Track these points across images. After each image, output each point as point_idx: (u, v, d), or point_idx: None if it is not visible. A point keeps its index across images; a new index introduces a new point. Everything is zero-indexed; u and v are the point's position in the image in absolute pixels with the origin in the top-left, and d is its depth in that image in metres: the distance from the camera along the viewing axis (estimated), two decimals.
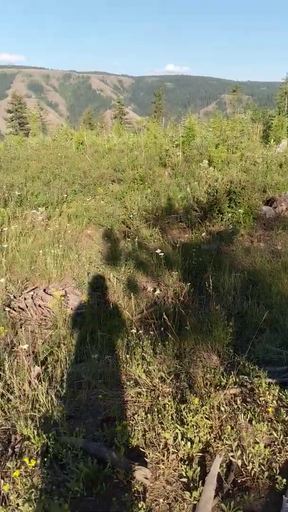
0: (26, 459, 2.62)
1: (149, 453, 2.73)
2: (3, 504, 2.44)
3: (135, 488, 2.50)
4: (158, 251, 6.41)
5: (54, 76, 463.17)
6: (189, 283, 5.64)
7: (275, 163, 12.17)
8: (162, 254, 6.32)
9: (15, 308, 5.56)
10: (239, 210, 8.44)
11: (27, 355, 3.83)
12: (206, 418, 2.94)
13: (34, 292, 5.99)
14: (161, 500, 2.41)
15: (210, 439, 2.83)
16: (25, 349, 3.79)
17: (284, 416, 3.00)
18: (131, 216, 8.87)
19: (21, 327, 4.87)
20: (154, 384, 3.47)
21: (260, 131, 18.77)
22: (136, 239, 7.50)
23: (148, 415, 3.00)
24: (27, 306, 5.64)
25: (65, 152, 17.06)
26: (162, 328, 4.33)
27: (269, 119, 19.71)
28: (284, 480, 2.49)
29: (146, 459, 2.71)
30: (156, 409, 3.05)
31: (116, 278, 6.21)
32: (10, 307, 5.52)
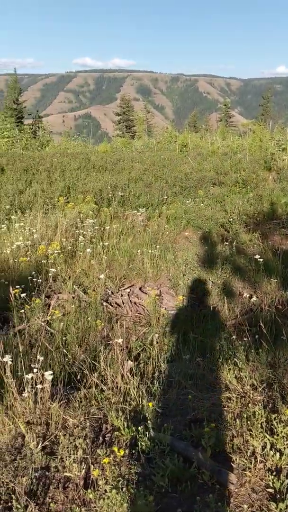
0: (115, 448, 2.73)
1: (236, 459, 2.71)
2: (92, 488, 2.56)
3: (219, 491, 2.49)
4: (257, 256, 6.27)
5: (162, 79, 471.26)
6: None
7: None
8: (261, 260, 6.18)
9: (112, 304, 5.79)
10: None
11: (121, 349, 3.97)
12: None
13: (130, 289, 6.19)
14: (245, 507, 2.38)
15: None
16: (119, 343, 3.94)
17: None
18: (231, 219, 8.77)
19: (116, 322, 5.04)
20: (245, 391, 3.42)
21: None
22: (235, 243, 7.41)
23: (237, 420, 2.97)
24: (123, 303, 5.84)
25: (168, 155, 17.30)
26: (256, 336, 4.25)
27: None
28: None
29: (232, 464, 2.69)
30: (245, 416, 3.01)
31: (212, 281, 6.19)
32: (108, 302, 5.75)
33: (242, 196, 10.46)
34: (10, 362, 3.20)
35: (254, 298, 5.63)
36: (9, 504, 2.49)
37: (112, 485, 2.50)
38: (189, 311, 5.55)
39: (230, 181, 11.75)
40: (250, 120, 39.18)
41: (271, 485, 2.48)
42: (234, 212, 9.14)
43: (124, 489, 2.47)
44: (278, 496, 2.41)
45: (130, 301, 5.96)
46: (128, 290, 6.17)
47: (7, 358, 3.20)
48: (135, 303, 5.97)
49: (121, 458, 2.75)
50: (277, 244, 7.66)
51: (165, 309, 5.67)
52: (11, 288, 4.37)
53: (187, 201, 10.43)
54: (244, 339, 4.19)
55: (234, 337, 4.34)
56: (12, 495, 2.51)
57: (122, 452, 2.69)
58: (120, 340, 3.99)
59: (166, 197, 10.84)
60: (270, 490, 2.47)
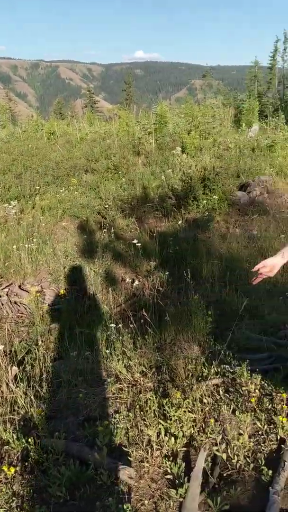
0: (5, 467, 2.51)
1: (132, 452, 2.66)
2: None
3: (119, 489, 2.43)
4: (135, 241, 6.31)
5: (21, 66, 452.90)
6: (168, 273, 5.58)
7: (248, 147, 12.16)
8: (139, 244, 6.22)
9: None
10: (214, 197, 8.40)
11: (4, 355, 3.71)
12: (189, 411, 2.89)
13: (9, 289, 5.85)
14: (146, 501, 2.35)
15: (194, 433, 2.78)
16: (0, 350, 3.68)
17: (267, 405, 2.97)
18: (107, 206, 8.74)
19: None
20: (136, 379, 3.40)
21: (231, 115, 18.71)
22: (112, 229, 7.39)
23: (130, 412, 2.94)
24: (2, 304, 5.50)
25: (36, 144, 16.67)
26: (141, 321, 4.25)
27: (240, 103, 19.67)
28: (270, 471, 2.45)
29: (129, 458, 2.64)
30: (138, 405, 2.99)
31: (93, 270, 6.10)
32: None
33: (115, 182, 10.48)
34: None
35: (136, 283, 5.67)
36: None
37: (5, 508, 2.30)
38: (73, 304, 5.40)
39: (101, 168, 11.68)
40: (114, 105, 39.45)
41: (169, 471, 2.48)
42: (109, 199, 9.12)
43: (19, 508, 2.29)
44: (177, 481, 2.42)
45: (10, 301, 5.63)
46: (6, 289, 5.82)
47: None
48: (15, 302, 5.65)
49: (13, 475, 2.56)
50: (152, 227, 7.81)
51: (48, 305, 5.46)
52: None
53: (61, 190, 10.14)
54: (130, 325, 4.18)
55: (120, 325, 4.30)
56: None
57: (12, 470, 2.49)
58: (1, 347, 3.74)
59: (38, 187, 10.43)
60: (168, 476, 2.48)
